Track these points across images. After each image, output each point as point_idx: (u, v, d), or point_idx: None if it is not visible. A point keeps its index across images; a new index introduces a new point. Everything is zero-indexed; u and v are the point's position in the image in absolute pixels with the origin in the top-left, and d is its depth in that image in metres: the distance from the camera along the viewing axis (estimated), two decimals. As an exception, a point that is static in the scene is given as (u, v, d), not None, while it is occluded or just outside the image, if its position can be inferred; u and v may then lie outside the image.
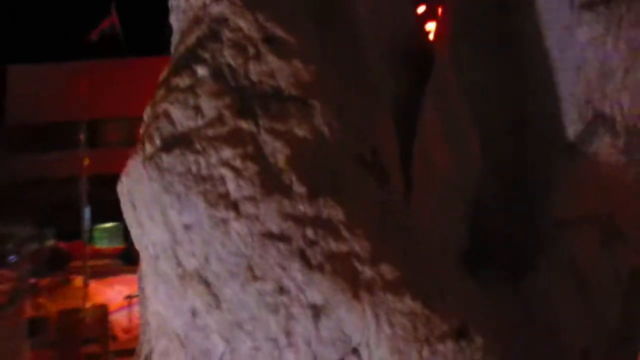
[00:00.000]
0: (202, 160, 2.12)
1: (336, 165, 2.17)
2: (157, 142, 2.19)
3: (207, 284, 2.10)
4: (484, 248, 2.66)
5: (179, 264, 2.14)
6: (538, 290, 2.29)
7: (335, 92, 2.27)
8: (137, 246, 2.31)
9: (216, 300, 2.08)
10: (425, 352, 2.00)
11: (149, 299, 2.28)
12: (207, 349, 2.10)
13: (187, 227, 2.11)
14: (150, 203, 2.17)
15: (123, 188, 2.28)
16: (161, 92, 2.30)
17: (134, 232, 2.29)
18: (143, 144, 2.22)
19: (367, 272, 2.05)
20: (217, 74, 2.24)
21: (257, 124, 2.17)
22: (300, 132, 2.16)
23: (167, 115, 2.22)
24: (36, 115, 15.13)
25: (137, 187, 2.21)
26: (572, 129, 2.55)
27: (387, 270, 2.06)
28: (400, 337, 2.00)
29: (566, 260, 2.34)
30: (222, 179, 2.10)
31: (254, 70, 2.23)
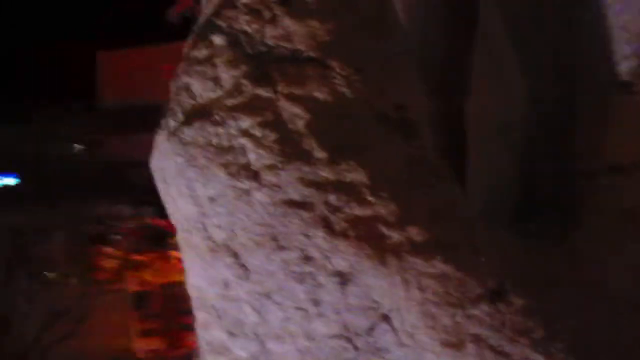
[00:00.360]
0: (222, 131, 2.06)
1: (358, 125, 2.05)
2: (179, 115, 2.15)
3: (235, 255, 2.05)
4: (531, 199, 2.47)
5: (209, 236, 2.11)
6: (587, 242, 2.08)
7: (355, 47, 2.13)
8: (173, 221, 2.31)
9: (245, 272, 2.04)
10: (459, 317, 1.87)
11: (187, 272, 2.28)
12: (240, 320, 2.06)
13: (212, 200, 2.07)
14: (177, 177, 2.15)
15: (154, 164, 2.27)
16: (183, 65, 2.26)
17: (168, 208, 2.28)
18: (167, 119, 2.20)
19: (393, 235, 1.93)
20: (233, 42, 2.16)
21: (275, 91, 2.08)
22: (320, 94, 2.05)
23: (187, 88, 2.17)
24: (126, 97, 15.75)
25: (165, 163, 2.19)
26: (625, 66, 2.29)
27: (415, 232, 1.93)
28: (431, 301, 1.88)
29: (618, 208, 2.12)
30: (243, 149, 2.04)
31: (270, 34, 2.13)
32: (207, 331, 2.20)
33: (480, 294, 1.86)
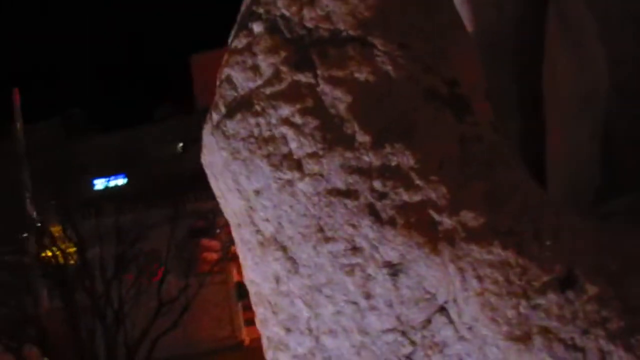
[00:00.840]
0: (262, 121, 1.95)
1: (404, 105, 1.88)
2: (222, 109, 2.06)
3: (284, 248, 1.94)
4: (613, 178, 2.20)
5: (258, 230, 2.02)
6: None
7: (399, 22, 1.96)
8: (227, 217, 2.24)
9: (294, 265, 1.92)
10: (523, 307, 1.67)
11: (243, 268, 2.20)
12: (294, 315, 1.96)
13: (257, 193, 1.97)
14: (223, 172, 2.06)
15: (204, 160, 2.20)
16: (225, 57, 2.18)
17: (220, 203, 2.21)
18: (211, 113, 2.12)
19: (445, 221, 1.75)
20: (272, 27, 2.05)
21: (315, 75, 1.94)
22: (361, 75, 1.90)
23: (229, 80, 2.08)
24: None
25: (212, 158, 2.12)
26: None
27: (469, 217, 1.74)
28: (491, 291, 1.69)
29: None
30: (284, 138, 1.92)
31: (309, 16, 1.99)
32: (266, 327, 2.12)
33: (547, 281, 1.65)
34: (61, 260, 12.83)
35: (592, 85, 2.39)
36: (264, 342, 2.16)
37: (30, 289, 12.69)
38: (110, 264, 13.13)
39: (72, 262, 13.48)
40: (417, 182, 1.75)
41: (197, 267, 14.12)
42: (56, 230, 13.85)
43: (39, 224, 13.44)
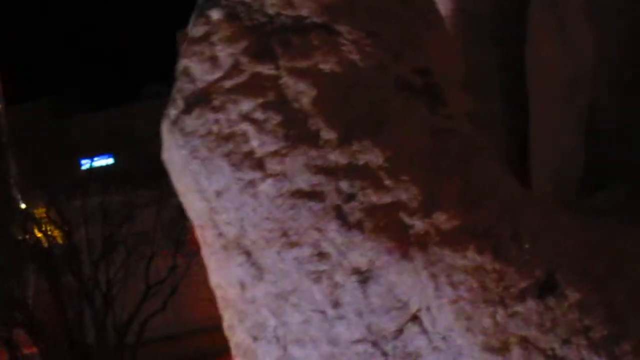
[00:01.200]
0: (222, 117, 1.82)
1: (373, 97, 1.75)
2: (180, 103, 1.92)
3: (247, 253, 1.83)
4: (598, 169, 2.09)
5: (220, 233, 1.89)
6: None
7: (366, 8, 1.82)
8: (190, 217, 2.12)
9: (259, 271, 1.81)
10: (500, 316, 1.56)
11: (208, 270, 2.09)
12: (260, 322, 1.85)
13: (218, 194, 1.85)
14: (183, 171, 1.93)
15: (164, 156, 2.07)
16: (183, 47, 2.03)
17: (183, 202, 2.09)
18: (169, 108, 1.98)
19: (417, 224, 1.63)
20: (231, 14, 1.90)
21: (277, 66, 1.80)
22: (327, 66, 1.76)
23: (187, 72, 1.94)
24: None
25: (170, 156, 1.98)
26: None
27: (442, 219, 1.62)
28: (466, 299, 1.58)
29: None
30: (245, 135, 1.79)
31: (270, 1, 1.85)
32: (234, 333, 2.00)
33: (525, 287, 1.54)
34: (46, 243, 12.70)
35: (577, 70, 2.27)
36: (232, 349, 2.06)
37: (16, 272, 12.57)
38: (97, 245, 13.02)
39: (60, 243, 13.36)
40: (387, 182, 1.63)
41: (185, 247, 14.02)
42: (41, 212, 13.70)
43: (24, 207, 13.29)
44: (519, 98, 2.56)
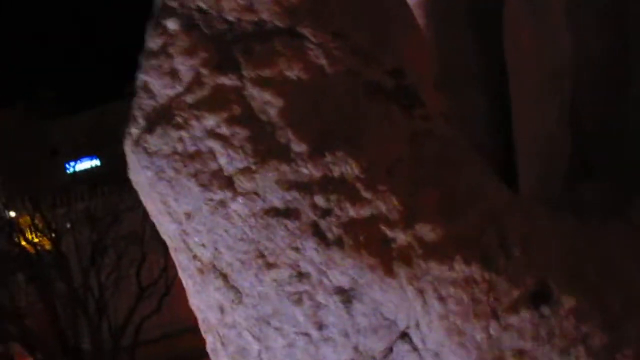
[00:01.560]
0: (186, 135, 1.71)
1: (344, 104, 1.65)
2: (141, 121, 1.81)
3: (224, 276, 1.73)
4: (582, 161, 2.01)
5: (195, 256, 1.80)
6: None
7: (332, 8, 1.72)
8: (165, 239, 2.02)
9: (237, 294, 1.72)
10: (494, 329, 1.48)
11: (187, 293, 2.00)
12: (243, 347, 1.76)
13: (188, 216, 1.75)
14: (150, 193, 1.83)
15: (131, 177, 1.97)
16: (141, 61, 1.92)
17: (155, 224, 1.99)
18: (129, 126, 1.88)
19: (399, 237, 1.55)
20: (189, 24, 1.78)
21: (240, 76, 1.70)
22: (292, 73, 1.66)
23: (146, 88, 1.82)
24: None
25: (136, 177, 1.88)
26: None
27: (425, 230, 1.54)
28: (456, 313, 1.50)
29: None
30: (211, 152, 1.69)
31: (229, 7, 1.73)
32: (217, 357, 1.93)
33: (518, 297, 1.46)
34: (32, 250, 12.52)
35: (558, 60, 2.18)
36: (219, 372, 1.97)
37: (5, 284, 12.40)
38: (87, 251, 12.87)
39: (48, 251, 13.19)
40: (364, 194, 1.54)
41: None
42: (27, 220, 13.50)
43: (8, 218, 13.08)
44: (502, 90, 2.48)
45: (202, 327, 1.97)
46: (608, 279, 1.46)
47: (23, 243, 12.81)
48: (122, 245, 12.71)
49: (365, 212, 1.50)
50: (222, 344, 1.81)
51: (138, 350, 12.63)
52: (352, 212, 1.51)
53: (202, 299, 1.83)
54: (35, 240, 12.82)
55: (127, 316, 11.97)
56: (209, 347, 1.95)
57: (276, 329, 1.63)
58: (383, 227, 1.50)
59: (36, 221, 12.89)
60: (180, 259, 1.86)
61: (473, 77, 2.59)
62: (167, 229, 1.83)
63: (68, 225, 13.00)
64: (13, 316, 12.10)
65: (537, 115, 2.07)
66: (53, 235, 12.70)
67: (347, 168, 1.53)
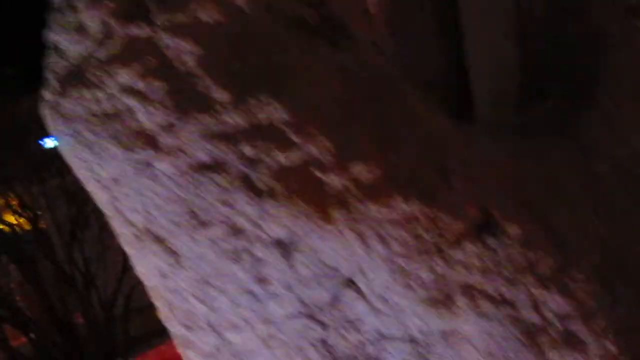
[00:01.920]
0: (100, 94, 1.59)
1: (266, 45, 1.54)
2: (54, 85, 1.69)
3: (160, 240, 1.65)
4: (533, 80, 1.92)
5: (129, 222, 1.70)
6: (602, 116, 1.56)
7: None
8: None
9: (176, 258, 1.64)
10: (439, 265, 1.42)
11: (131, 261, 1.92)
12: (190, 311, 1.69)
13: (115, 181, 1.65)
14: (75, 160, 1.73)
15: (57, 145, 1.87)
16: (48, 20, 1.79)
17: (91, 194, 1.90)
18: (44, 91, 1.76)
19: (334, 181, 1.46)
20: (92, -27, 1.67)
21: (152, 25, 1.57)
22: (208, 16, 1.54)
23: (55, 48, 1.71)
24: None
25: (60, 144, 1.78)
26: None
27: (361, 171, 1.45)
28: (400, 254, 1.44)
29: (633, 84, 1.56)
30: (130, 110, 1.57)
31: (133, -51, 1.61)
32: (169, 323, 1.85)
33: (462, 230, 1.39)
34: (12, 232, 12.37)
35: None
36: (174, 340, 1.91)
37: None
38: (67, 227, 12.72)
39: (27, 231, 13.03)
40: (294, 138, 1.44)
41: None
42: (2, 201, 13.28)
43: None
44: (451, 10, 2.37)
45: (151, 294, 1.89)
46: (553, 199, 1.40)
47: (1, 226, 12.64)
48: (102, 217, 12.56)
49: (296, 157, 1.41)
50: (170, 309, 1.75)
51: (131, 319, 12.65)
52: (282, 159, 1.42)
53: (144, 266, 1.75)
54: (13, 221, 12.65)
55: (116, 287, 11.95)
56: (161, 315, 1.89)
57: (219, 289, 1.56)
58: (316, 172, 1.41)
59: (12, 202, 12.69)
60: (117, 227, 1.76)
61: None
62: (98, 197, 1.73)
63: (45, 203, 12.81)
64: (2, 298, 12.04)
65: (486, 28, 1.98)
66: (31, 214, 12.53)
67: (274, 113, 1.43)
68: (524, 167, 1.44)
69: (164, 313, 1.83)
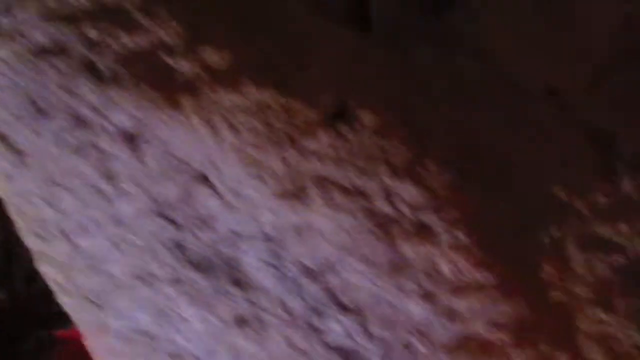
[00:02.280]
0: None
1: None
2: None
3: (3, 137, 1.53)
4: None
5: (-30, 120, 1.59)
6: (469, 12, 1.53)
7: None
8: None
9: (19, 156, 1.52)
10: (291, 156, 1.37)
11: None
12: (40, 217, 1.58)
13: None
14: None
15: None
16: None
17: None
18: None
19: (183, 66, 1.38)
20: None
21: None
22: None
23: None
24: None
25: None
26: None
27: (212, 56, 1.37)
28: (250, 143, 1.38)
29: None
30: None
31: None
32: (26, 238, 1.75)
33: (315, 119, 1.34)
34: None
35: None
36: (32, 255, 1.80)
37: None
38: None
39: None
40: (142, 20, 1.35)
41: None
42: None
43: None
44: None
45: (8, 208, 1.78)
46: (416, 94, 1.36)
47: None
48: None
49: (143, 40, 1.32)
50: (21, 218, 1.63)
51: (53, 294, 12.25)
52: (127, 42, 1.33)
53: (-7, 172, 1.63)
54: None
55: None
56: (16, 226, 1.77)
57: (65, 188, 1.46)
58: (164, 56, 1.32)
59: None
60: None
61: None
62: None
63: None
64: None
65: None
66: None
67: (119, -7, 1.34)
68: (388, 62, 1.40)
69: (18, 224, 1.71)
